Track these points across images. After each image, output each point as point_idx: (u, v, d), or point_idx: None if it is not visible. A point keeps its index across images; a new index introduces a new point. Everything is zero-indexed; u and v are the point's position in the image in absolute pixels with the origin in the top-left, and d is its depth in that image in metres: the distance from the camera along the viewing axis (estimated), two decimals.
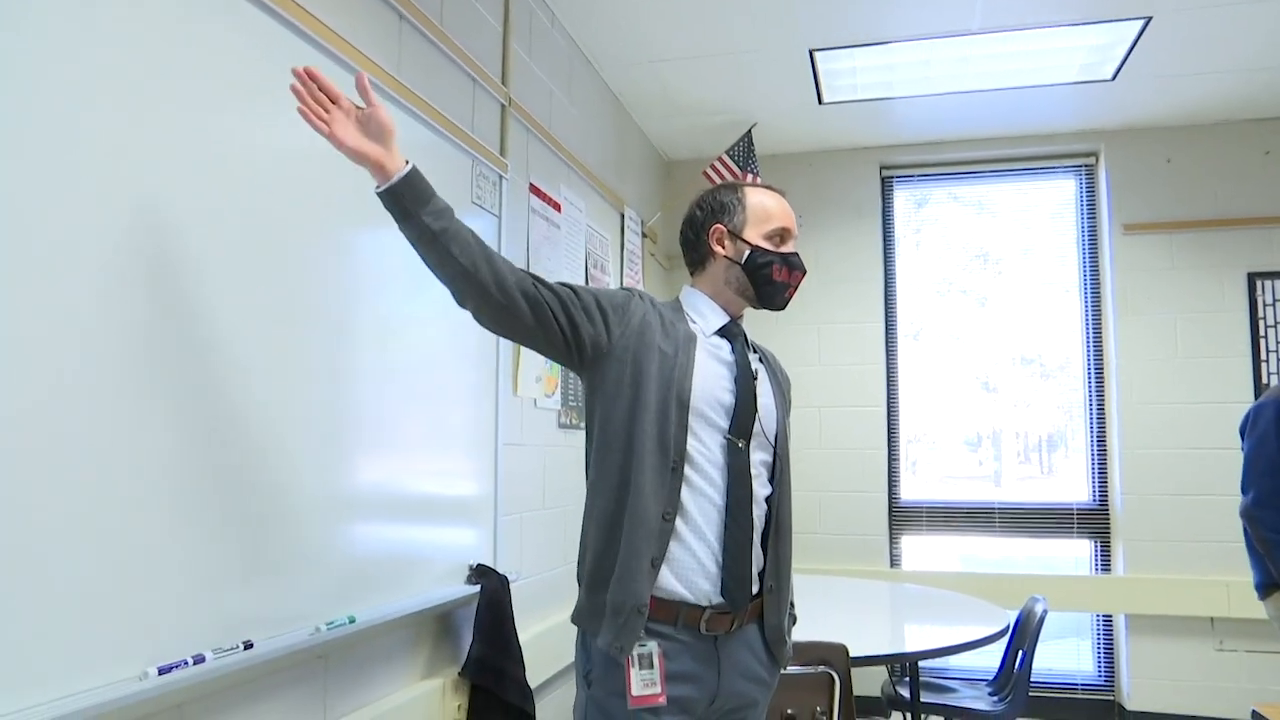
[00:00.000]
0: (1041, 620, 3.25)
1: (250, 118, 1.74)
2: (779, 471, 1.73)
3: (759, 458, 1.70)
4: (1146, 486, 4.46)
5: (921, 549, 4.89)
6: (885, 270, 4.97)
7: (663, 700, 1.56)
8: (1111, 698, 4.60)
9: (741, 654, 1.66)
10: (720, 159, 4.38)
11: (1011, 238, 4.99)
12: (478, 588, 2.48)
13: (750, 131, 4.41)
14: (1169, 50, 3.79)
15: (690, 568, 1.60)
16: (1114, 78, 4.06)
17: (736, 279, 1.76)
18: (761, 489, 1.69)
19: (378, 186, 1.48)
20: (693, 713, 1.62)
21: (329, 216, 1.97)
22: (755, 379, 1.73)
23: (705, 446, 1.64)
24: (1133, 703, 4.43)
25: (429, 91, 2.43)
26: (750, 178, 4.30)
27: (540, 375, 3.11)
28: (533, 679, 2.69)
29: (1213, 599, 4.26)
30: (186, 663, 1.49)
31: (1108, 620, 4.66)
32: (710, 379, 1.67)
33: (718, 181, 4.31)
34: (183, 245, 1.55)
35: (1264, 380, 4.36)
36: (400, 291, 2.24)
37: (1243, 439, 2.95)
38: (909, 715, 3.09)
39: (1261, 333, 4.41)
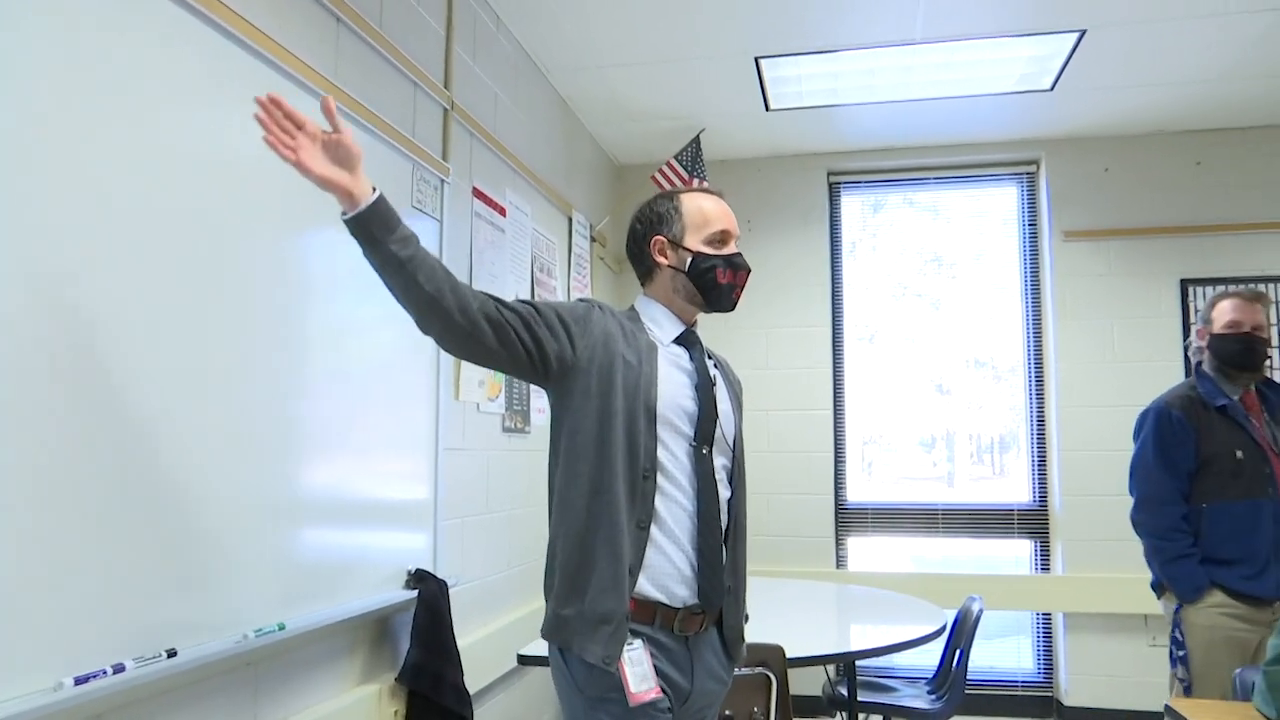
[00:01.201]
0: (978, 619, 3.32)
1: (189, 122, 1.73)
2: (736, 475, 1.79)
3: (719, 462, 1.73)
4: (1084, 487, 4.57)
5: (868, 550, 4.95)
6: (832, 275, 5.03)
7: (659, 693, 1.59)
8: (1050, 694, 4.70)
9: (707, 654, 1.71)
10: (669, 163, 4.40)
11: (963, 243, 5.07)
12: (415, 593, 2.48)
13: (698, 137, 4.44)
14: (1104, 63, 3.89)
15: (667, 573, 1.64)
16: (1052, 88, 4.16)
17: (684, 286, 1.78)
18: (724, 492, 1.73)
19: (344, 213, 1.47)
20: (673, 712, 1.65)
21: (274, 221, 1.96)
22: (714, 385, 1.77)
23: (674, 454, 1.67)
24: (1070, 698, 4.53)
25: (367, 95, 2.43)
26: (698, 183, 4.33)
27: (483, 380, 3.11)
28: (473, 684, 2.69)
29: (1146, 597, 4.24)
30: (105, 672, 1.48)
31: (1047, 618, 4.76)
32: (674, 387, 1.71)
33: (666, 186, 4.35)
34: (124, 247, 1.53)
35: None
36: (345, 296, 2.23)
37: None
38: (844, 714, 3.13)
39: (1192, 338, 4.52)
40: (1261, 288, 3.35)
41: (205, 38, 1.81)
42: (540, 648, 2.91)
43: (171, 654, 1.62)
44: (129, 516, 1.56)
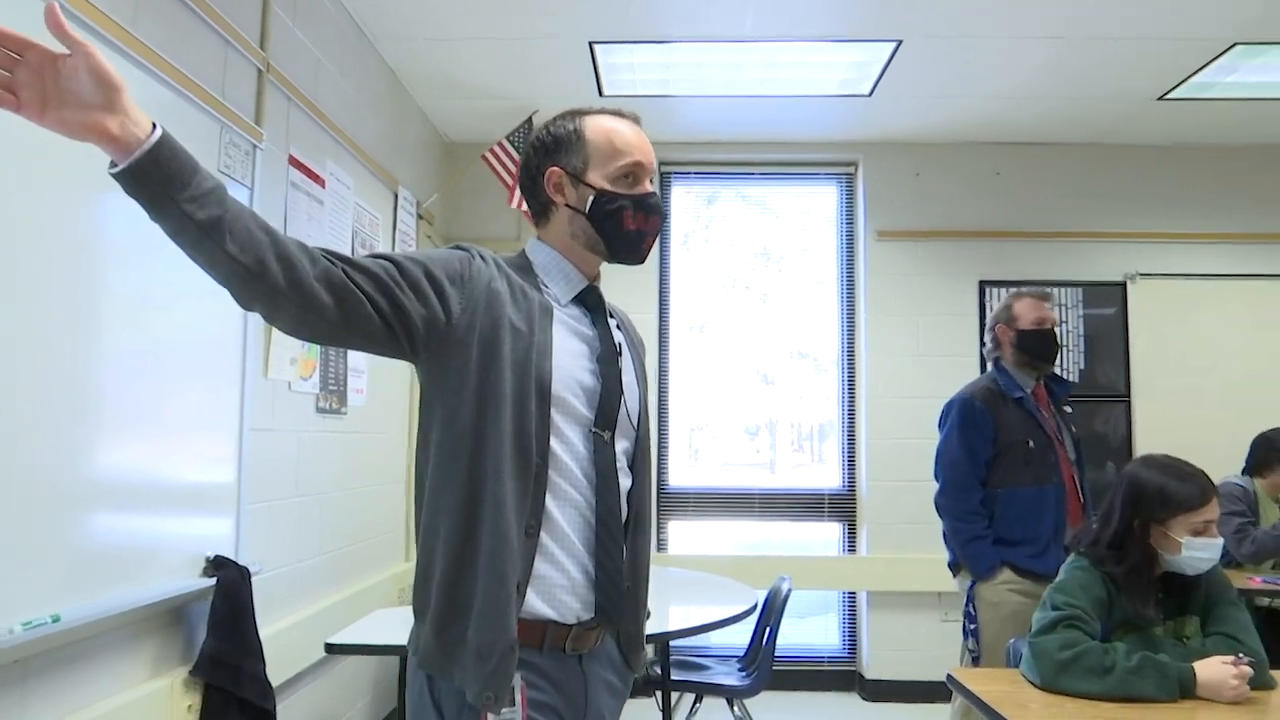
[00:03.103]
0: (786, 598, 3.46)
1: None
2: (638, 459, 1.51)
3: (621, 447, 1.46)
4: (888, 473, 4.85)
5: (689, 533, 5.08)
6: (660, 264, 5.11)
7: None
8: (854, 668, 4.97)
9: (602, 669, 1.46)
10: (500, 144, 4.34)
11: (790, 239, 5.27)
12: (213, 581, 2.35)
13: (531, 119, 4.40)
14: (917, 73, 4.11)
15: (558, 585, 1.37)
16: (871, 94, 4.36)
17: (584, 231, 1.46)
18: (624, 482, 1.46)
19: (112, 165, 1.06)
20: None
21: (64, 180, 1.79)
22: (619, 355, 1.49)
23: (568, 442, 1.39)
24: (871, 671, 4.81)
25: (171, 50, 2.26)
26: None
27: (296, 358, 2.97)
28: (277, 675, 2.58)
29: (940, 575, 4.58)
30: None
31: (852, 597, 5.03)
32: (570, 360, 1.41)
33: (496, 167, 4.29)
34: None
35: None
36: (143, 264, 2.07)
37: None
38: (659, 693, 3.20)
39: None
40: (1049, 290, 3.63)
41: None
42: (350, 635, 2.85)
43: None
44: None
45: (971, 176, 5.00)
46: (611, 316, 1.55)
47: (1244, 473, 3.92)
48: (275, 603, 2.84)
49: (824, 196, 5.26)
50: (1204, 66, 3.98)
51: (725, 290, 5.26)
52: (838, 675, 4.97)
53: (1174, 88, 4.22)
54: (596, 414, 1.42)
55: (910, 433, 4.83)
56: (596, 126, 1.47)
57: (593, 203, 1.44)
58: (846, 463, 5.07)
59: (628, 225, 1.45)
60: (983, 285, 4.95)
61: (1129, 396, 4.87)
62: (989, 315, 3.24)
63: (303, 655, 2.97)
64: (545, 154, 1.48)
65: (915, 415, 4.84)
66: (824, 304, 5.20)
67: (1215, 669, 1.86)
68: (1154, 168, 4.96)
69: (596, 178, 1.45)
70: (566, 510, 1.38)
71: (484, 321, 1.35)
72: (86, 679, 2.00)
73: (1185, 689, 1.85)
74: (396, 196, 4.06)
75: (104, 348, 1.99)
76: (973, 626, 2.96)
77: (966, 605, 2.99)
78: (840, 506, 5.04)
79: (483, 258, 1.42)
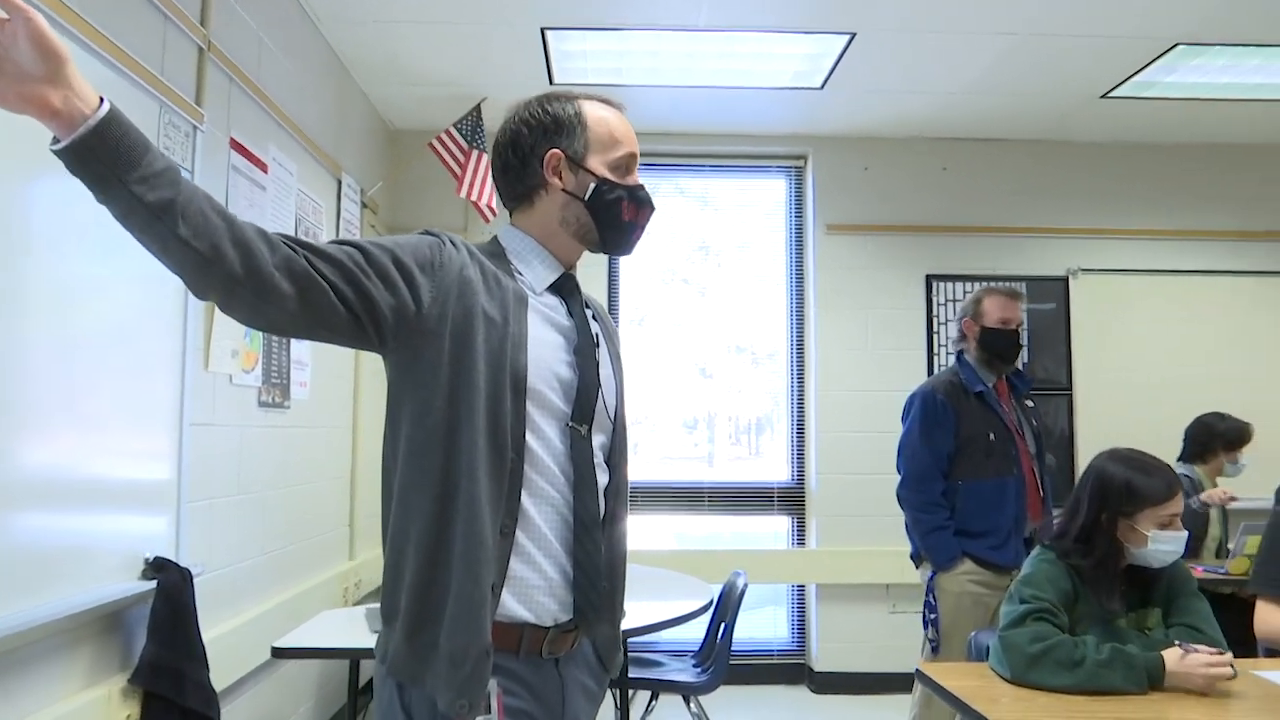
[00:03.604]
0: (742, 594, 3.44)
1: None
2: (615, 453, 1.47)
3: (598, 441, 1.42)
4: (837, 466, 4.87)
5: (637, 528, 5.01)
6: (610, 258, 5.04)
7: None
8: (803, 661, 4.99)
9: (579, 671, 1.42)
10: (447, 132, 4.23)
11: (730, 232, 5.26)
12: (154, 583, 2.23)
13: (479, 107, 4.30)
14: (870, 67, 4.11)
15: (535, 586, 1.31)
16: (822, 87, 4.36)
17: (577, 219, 1.41)
18: (601, 479, 1.41)
19: (55, 142, 1.00)
20: None
21: None
22: (597, 346, 1.43)
23: (544, 437, 1.33)
24: (820, 664, 4.82)
25: (107, 23, 2.12)
26: (478, 154, 4.19)
27: (237, 349, 2.84)
28: (220, 680, 2.47)
29: (888, 567, 4.68)
30: None
31: (801, 589, 5.04)
32: (546, 351, 1.36)
33: (444, 156, 4.18)
34: None
35: (936, 370, 4.88)
36: (73, 250, 1.94)
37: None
38: (616, 691, 3.15)
39: (935, 328, 4.94)
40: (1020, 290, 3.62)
41: None
42: (297, 638, 2.74)
43: None
44: None
45: (919, 172, 5.03)
46: (587, 306, 1.49)
47: (1181, 459, 3.98)
48: (218, 605, 2.72)
49: (770, 190, 5.25)
50: (1146, 66, 4.05)
51: (664, 284, 5.24)
52: (787, 668, 4.97)
53: (1116, 86, 4.30)
54: (574, 408, 1.36)
55: (859, 426, 4.86)
56: (594, 113, 1.44)
57: (594, 190, 1.40)
58: (795, 456, 5.08)
59: (624, 216, 1.42)
60: (929, 279, 5.00)
61: (1070, 389, 4.96)
62: (958, 307, 3.25)
63: (247, 659, 2.85)
64: (544, 134, 1.42)
65: (864, 408, 4.87)
66: (766, 297, 5.20)
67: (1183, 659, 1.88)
68: (1095, 165, 5.05)
69: (597, 164, 1.41)
70: (543, 508, 1.33)
71: (456, 311, 1.29)
72: (17, 690, 1.87)
73: (1154, 680, 1.86)
74: (340, 184, 3.93)
75: (28, 336, 1.87)
76: (933, 616, 2.98)
77: (927, 595, 3.01)
78: (789, 500, 5.05)
79: (454, 244, 1.35)
